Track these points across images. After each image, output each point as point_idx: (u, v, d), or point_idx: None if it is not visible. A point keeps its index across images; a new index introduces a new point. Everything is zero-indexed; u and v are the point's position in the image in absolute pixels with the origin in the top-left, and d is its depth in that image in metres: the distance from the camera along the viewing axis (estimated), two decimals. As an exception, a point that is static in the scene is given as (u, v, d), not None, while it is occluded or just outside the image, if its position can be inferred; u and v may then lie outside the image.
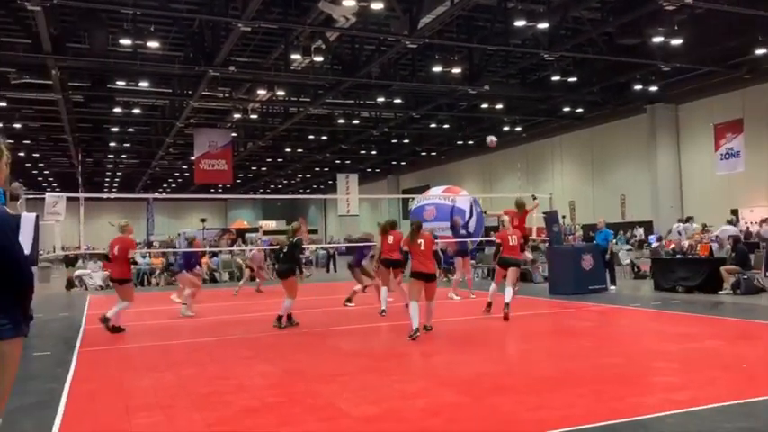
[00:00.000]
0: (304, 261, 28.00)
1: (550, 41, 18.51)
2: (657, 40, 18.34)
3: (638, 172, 28.52)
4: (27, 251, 7.98)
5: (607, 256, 14.78)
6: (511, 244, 10.61)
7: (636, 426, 4.49)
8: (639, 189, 28.16)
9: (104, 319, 9.89)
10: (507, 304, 10.03)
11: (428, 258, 8.62)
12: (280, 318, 9.84)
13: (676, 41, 18.60)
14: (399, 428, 4.60)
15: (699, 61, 21.10)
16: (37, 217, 8.79)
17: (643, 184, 27.92)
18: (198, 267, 14.00)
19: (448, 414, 4.96)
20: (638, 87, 24.56)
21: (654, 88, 24.66)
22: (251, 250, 19.57)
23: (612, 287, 14.61)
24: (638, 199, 28.04)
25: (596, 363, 6.81)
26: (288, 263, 9.93)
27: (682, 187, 26.88)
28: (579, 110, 29.08)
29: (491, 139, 15.23)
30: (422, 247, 8.54)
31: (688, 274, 13.79)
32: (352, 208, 37.59)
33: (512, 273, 10.54)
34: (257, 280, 17.91)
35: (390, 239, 11.21)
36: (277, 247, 12.58)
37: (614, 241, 17.26)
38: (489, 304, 10.81)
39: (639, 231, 26.17)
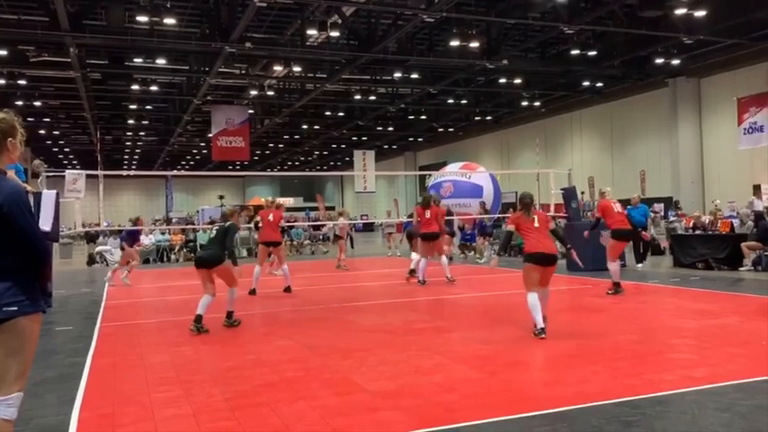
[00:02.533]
0: (321, 237, 28.34)
1: (570, 14, 18.18)
2: (680, 12, 17.94)
3: (659, 147, 28.13)
4: (48, 228, 8.08)
5: (650, 232, 14.52)
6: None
7: (653, 402, 4.48)
8: (660, 164, 27.80)
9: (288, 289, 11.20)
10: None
11: (545, 237, 7.12)
12: (230, 314, 8.35)
13: (700, 13, 18.18)
14: (415, 404, 4.63)
15: (723, 33, 20.62)
16: (57, 194, 8.89)
17: (664, 160, 27.55)
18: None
19: (463, 390, 4.98)
20: (659, 61, 24.11)
21: (676, 61, 24.19)
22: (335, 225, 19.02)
23: (639, 265, 14.41)
24: (659, 174, 27.69)
25: (613, 339, 6.78)
26: (213, 249, 8.28)
27: (703, 162, 26.48)
28: (599, 84, 28.65)
29: None
30: (536, 224, 7.11)
31: (708, 250, 13.64)
32: (369, 185, 37.61)
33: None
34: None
35: (428, 214, 11.97)
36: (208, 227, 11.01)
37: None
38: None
39: (660, 207, 25.89)
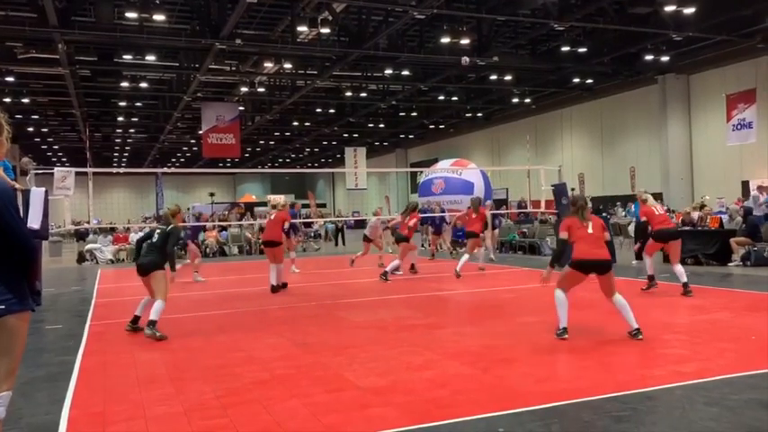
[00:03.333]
0: (312, 234, 28.30)
1: (560, 11, 18.23)
2: (669, 8, 18.04)
3: (649, 143, 28.28)
4: (37, 226, 8.07)
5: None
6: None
7: (643, 397, 4.50)
8: (649, 161, 27.95)
9: (280, 286, 11.21)
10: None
11: (599, 244, 6.59)
12: (152, 323, 7.39)
13: (688, 10, 18.27)
14: (406, 400, 4.63)
15: (711, 30, 20.74)
16: (46, 192, 8.83)
17: (653, 156, 27.70)
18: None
19: (454, 386, 4.99)
20: (649, 58, 24.22)
21: (665, 58, 24.31)
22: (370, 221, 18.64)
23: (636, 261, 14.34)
24: (649, 171, 27.84)
25: (604, 335, 6.82)
26: (154, 255, 7.70)
27: (692, 159, 26.65)
28: (589, 81, 28.75)
29: (465, 59, 15.65)
30: (590, 230, 6.56)
31: (698, 246, 13.73)
32: (361, 182, 37.61)
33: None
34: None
35: (474, 215, 13.45)
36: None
37: (624, 213, 17.11)
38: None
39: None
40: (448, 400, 4.64)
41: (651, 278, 10.03)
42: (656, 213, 10.08)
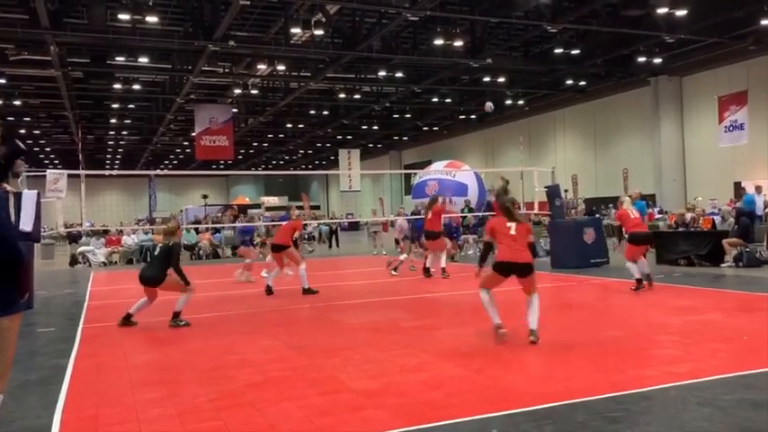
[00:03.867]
0: (306, 237, 28.27)
1: (553, 13, 18.29)
2: (662, 11, 18.12)
3: (641, 145, 28.39)
4: (29, 228, 8.03)
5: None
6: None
7: (637, 398, 4.52)
8: (642, 162, 28.06)
9: (308, 290, 11.03)
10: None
11: (521, 247, 6.54)
12: (176, 314, 8.23)
13: (681, 12, 18.36)
14: (400, 402, 4.63)
15: (703, 32, 20.86)
16: (38, 194, 8.79)
17: (646, 158, 27.81)
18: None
19: (448, 387, 4.99)
20: (641, 59, 24.32)
21: (658, 60, 24.42)
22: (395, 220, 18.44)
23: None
24: (641, 172, 27.95)
25: (597, 336, 6.83)
26: (154, 268, 8.21)
27: (685, 160, 26.77)
28: (582, 83, 28.85)
29: (489, 104, 15.58)
30: (512, 231, 6.55)
31: (690, 247, 13.79)
32: (354, 183, 37.60)
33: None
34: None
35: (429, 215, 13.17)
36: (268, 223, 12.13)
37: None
38: None
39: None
40: (442, 401, 4.64)
41: (640, 281, 10.06)
42: (631, 216, 10.31)
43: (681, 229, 15.20)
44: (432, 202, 13.48)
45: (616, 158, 29.96)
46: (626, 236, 10.76)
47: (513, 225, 6.58)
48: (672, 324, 7.38)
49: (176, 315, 8.19)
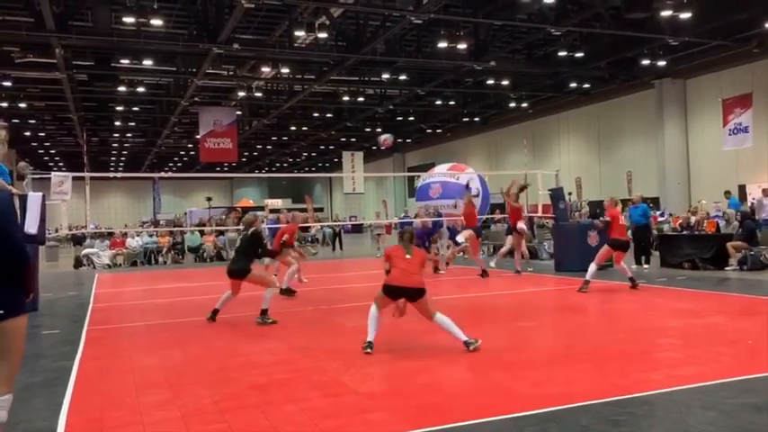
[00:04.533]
0: (309, 239, 28.30)
1: (557, 16, 18.29)
2: (666, 13, 18.09)
3: (645, 148, 28.36)
4: (35, 230, 8.07)
5: (654, 233, 14.98)
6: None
7: (640, 401, 4.52)
8: (646, 165, 28.02)
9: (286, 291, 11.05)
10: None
11: (414, 271, 6.68)
12: (263, 312, 8.51)
13: (685, 15, 18.34)
14: (404, 404, 4.64)
15: (707, 35, 20.84)
16: (43, 196, 8.84)
17: (650, 160, 27.77)
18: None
19: (452, 390, 5.00)
20: (645, 62, 24.30)
21: (662, 63, 24.40)
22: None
23: (646, 266, 14.33)
24: (646, 175, 27.90)
25: (600, 339, 6.83)
26: (241, 261, 8.45)
27: (689, 163, 26.72)
28: (586, 85, 28.84)
29: (384, 138, 15.31)
30: (408, 256, 6.71)
31: (694, 250, 13.77)
32: (358, 186, 37.54)
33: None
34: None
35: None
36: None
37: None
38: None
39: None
40: (445, 404, 4.64)
41: (587, 283, 10.50)
42: (620, 222, 10.76)
43: (685, 233, 15.18)
44: (471, 195, 13.61)
45: (620, 161, 29.92)
46: (609, 241, 10.96)
47: (410, 254, 6.71)
48: (675, 327, 7.37)
49: (264, 312, 8.40)
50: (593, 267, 10.63)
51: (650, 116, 27.57)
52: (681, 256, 13.92)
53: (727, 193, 17.63)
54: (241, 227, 9.15)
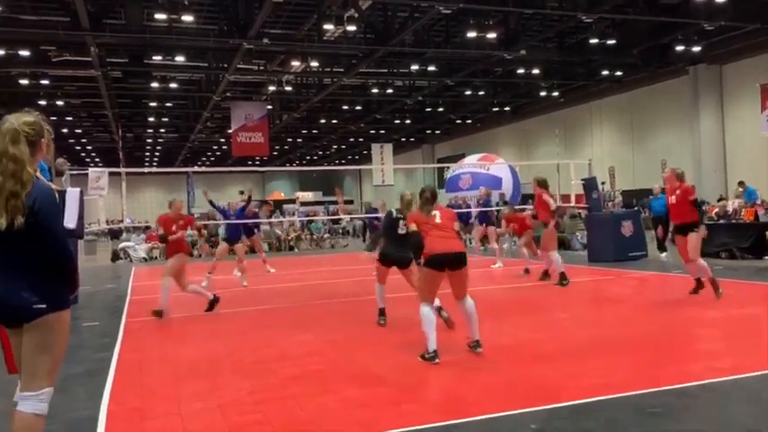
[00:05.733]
0: (340, 231, 28.44)
1: (589, 3, 18.01)
2: (701, -3, 17.70)
3: (680, 136, 27.78)
4: (73, 225, 8.23)
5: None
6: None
7: (678, 393, 4.46)
8: (681, 153, 27.44)
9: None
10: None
11: (450, 235, 5.94)
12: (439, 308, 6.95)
13: (721, -1, 17.91)
14: (436, 396, 4.66)
15: (744, 18, 20.26)
16: (81, 192, 9.03)
17: (685, 148, 27.20)
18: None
19: (484, 381, 4.99)
20: (679, 48, 23.77)
21: (696, 49, 23.83)
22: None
23: (663, 255, 14.16)
24: (681, 163, 27.09)
25: (636, 330, 6.74)
26: (408, 248, 7.23)
27: (725, 150, 26.10)
28: (618, 73, 28.32)
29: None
30: (437, 220, 5.91)
31: (731, 239, 13.48)
32: (388, 178, 37.61)
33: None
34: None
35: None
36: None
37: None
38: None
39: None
40: (478, 395, 4.65)
41: (546, 272, 10.55)
42: (553, 203, 10.79)
43: (722, 221, 14.86)
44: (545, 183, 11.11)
45: (654, 150, 29.37)
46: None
47: (436, 213, 5.95)
48: (713, 318, 7.24)
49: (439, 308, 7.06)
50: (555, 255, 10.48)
51: (685, 103, 26.99)
52: (717, 245, 13.63)
53: (741, 184, 17.20)
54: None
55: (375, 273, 7.82)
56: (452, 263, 5.71)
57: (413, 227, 5.98)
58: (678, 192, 8.54)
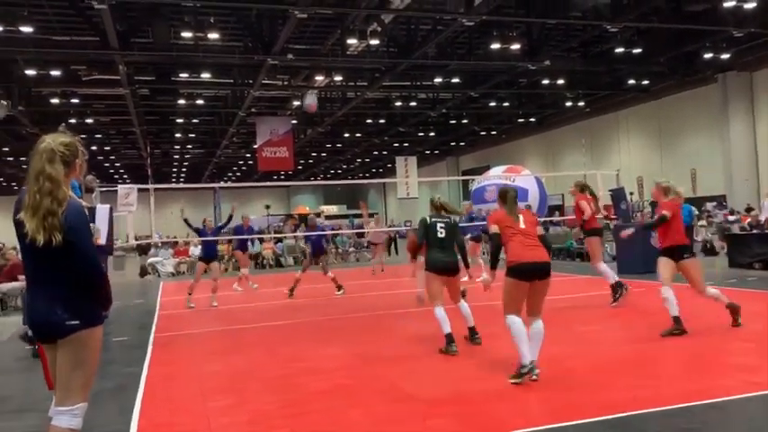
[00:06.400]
0: (365, 245, 28.43)
1: (613, 12, 17.86)
2: (729, 4, 17.43)
3: (710, 144, 27.34)
4: (103, 241, 8.39)
5: (702, 233, 14.35)
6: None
7: (711, 408, 4.35)
8: (711, 162, 27.00)
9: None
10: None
11: (534, 242, 5.61)
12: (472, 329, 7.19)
13: (750, 5, 17.62)
14: (465, 411, 4.60)
15: (774, 25, 19.94)
16: (111, 208, 9.20)
17: (715, 157, 26.75)
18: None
19: (513, 396, 4.93)
20: (708, 56, 23.44)
21: (725, 56, 23.48)
22: None
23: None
24: (711, 173, 26.90)
25: (668, 343, 6.61)
26: (455, 253, 6.90)
27: (758, 159, 25.62)
28: (645, 82, 28.01)
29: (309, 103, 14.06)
30: (521, 224, 5.61)
31: (766, 249, 13.19)
32: (412, 191, 37.57)
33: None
34: None
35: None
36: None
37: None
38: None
39: (712, 206, 25.17)
40: (507, 411, 4.59)
41: (616, 288, 9.60)
42: (589, 210, 9.69)
43: (755, 231, 14.56)
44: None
45: (683, 159, 28.95)
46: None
47: (520, 216, 5.61)
48: (747, 331, 7.07)
49: (472, 330, 7.02)
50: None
51: (714, 111, 26.58)
52: (751, 255, 13.35)
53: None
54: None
55: (425, 289, 6.91)
56: (539, 273, 5.35)
57: (494, 228, 5.56)
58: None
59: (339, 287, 13.05)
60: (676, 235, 7.21)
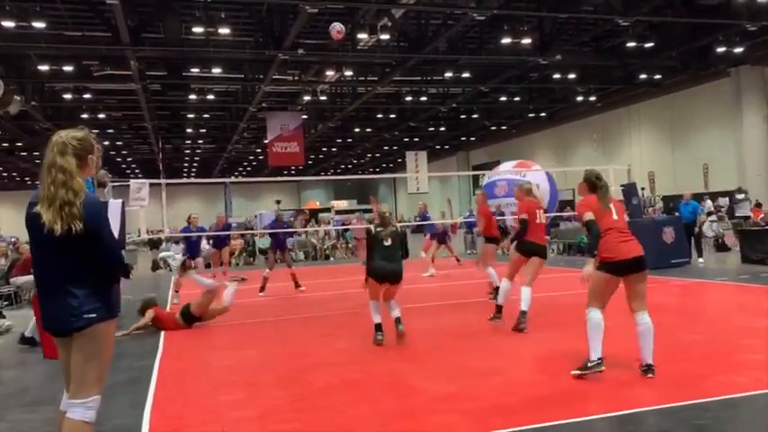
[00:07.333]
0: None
1: (625, 6, 17.74)
2: (742, -3, 17.29)
3: (722, 139, 27.12)
4: (115, 235, 8.46)
5: (696, 230, 14.36)
6: (538, 221, 7.74)
7: (724, 405, 4.34)
8: (724, 157, 26.79)
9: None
10: (523, 312, 7.38)
11: (628, 234, 5.39)
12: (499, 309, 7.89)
13: (763, -2, 17.47)
14: (476, 406, 4.61)
15: (789, 18, 19.72)
16: (123, 203, 9.26)
17: (728, 152, 26.54)
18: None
19: (524, 391, 4.93)
20: (720, 50, 23.24)
21: (738, 50, 23.27)
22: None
23: (701, 260, 14.13)
24: (723, 168, 26.69)
25: (680, 340, 6.58)
26: (400, 262, 7.16)
27: (771, 153, 25.41)
28: (657, 76, 27.82)
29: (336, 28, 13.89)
30: (614, 216, 5.35)
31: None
32: (422, 185, 37.51)
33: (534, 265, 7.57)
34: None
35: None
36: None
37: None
38: (499, 309, 8.00)
39: (724, 201, 24.96)
40: (518, 406, 4.59)
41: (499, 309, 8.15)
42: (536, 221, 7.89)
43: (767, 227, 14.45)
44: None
45: (695, 154, 28.74)
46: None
47: (612, 207, 5.28)
48: (760, 327, 7.02)
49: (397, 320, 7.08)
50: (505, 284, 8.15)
51: (727, 106, 26.35)
52: (764, 251, 13.24)
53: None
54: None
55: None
56: (635, 267, 5.12)
57: (588, 215, 5.21)
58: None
59: (297, 284, 13.29)
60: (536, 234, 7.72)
